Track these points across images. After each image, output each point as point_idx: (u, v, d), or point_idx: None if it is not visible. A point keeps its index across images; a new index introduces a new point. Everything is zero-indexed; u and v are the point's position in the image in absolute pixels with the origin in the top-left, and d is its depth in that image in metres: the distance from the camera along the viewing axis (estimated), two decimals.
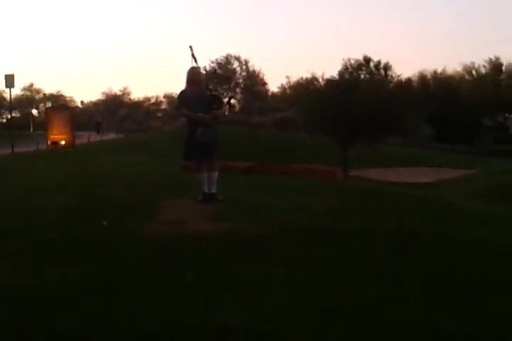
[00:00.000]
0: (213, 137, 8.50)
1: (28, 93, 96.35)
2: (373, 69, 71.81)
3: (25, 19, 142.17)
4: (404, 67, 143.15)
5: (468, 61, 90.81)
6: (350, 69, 69.91)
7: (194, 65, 8.72)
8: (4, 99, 71.37)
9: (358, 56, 72.94)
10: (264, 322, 3.87)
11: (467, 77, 74.46)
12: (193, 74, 8.74)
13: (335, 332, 3.73)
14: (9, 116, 69.83)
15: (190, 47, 8.67)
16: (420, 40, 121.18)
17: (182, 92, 8.85)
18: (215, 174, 8.56)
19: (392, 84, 62.26)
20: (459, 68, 74.98)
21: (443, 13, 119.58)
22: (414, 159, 38.83)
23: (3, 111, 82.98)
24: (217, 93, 8.80)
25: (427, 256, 5.78)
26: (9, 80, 26.92)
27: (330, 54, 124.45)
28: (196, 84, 8.70)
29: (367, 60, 71.87)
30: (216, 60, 78.32)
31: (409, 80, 72.09)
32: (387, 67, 71.25)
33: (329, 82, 42.73)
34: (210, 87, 9.72)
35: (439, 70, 74.83)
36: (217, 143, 8.65)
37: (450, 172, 31.70)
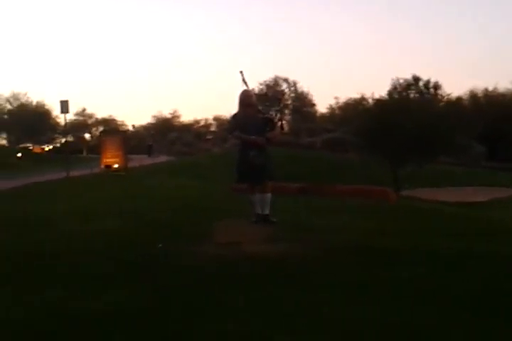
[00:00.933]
0: (266, 159, 8.56)
1: (81, 118, 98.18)
2: (423, 88, 71.20)
3: (77, 47, 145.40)
4: (455, 86, 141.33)
5: None
6: (399, 89, 69.46)
7: (246, 88, 8.82)
8: (58, 124, 72.87)
9: (407, 75, 72.46)
10: None
11: None
12: (246, 97, 8.82)
13: None
14: (63, 141, 71.33)
15: (241, 72, 8.78)
16: (470, 58, 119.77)
17: (234, 115, 8.93)
18: (268, 195, 8.60)
19: (442, 103, 61.63)
20: (511, 86, 73.63)
21: (492, 30, 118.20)
22: (466, 178, 38.23)
23: (57, 135, 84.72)
24: (269, 115, 8.84)
25: (479, 275, 5.67)
26: (64, 106, 27.55)
27: (379, 74, 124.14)
28: (249, 106, 8.78)
29: (416, 79, 71.33)
30: (265, 81, 78.74)
31: (459, 99, 71.26)
32: (436, 86, 70.62)
33: (378, 102, 42.52)
34: (261, 108, 9.77)
35: (490, 88, 73.69)
36: (270, 165, 8.71)
37: (504, 191, 31.09)
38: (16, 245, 7.85)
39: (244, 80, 8.77)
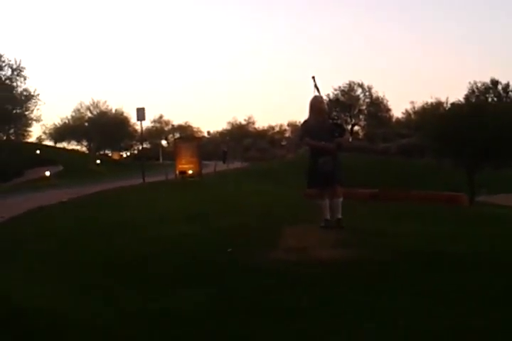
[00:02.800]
0: (335, 165, 8.59)
1: (158, 125, 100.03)
2: (501, 92, 69.63)
3: (156, 55, 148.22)
4: None
5: None
6: (476, 93, 68.15)
7: (317, 94, 8.88)
8: (136, 131, 74.37)
9: (486, 79, 71.00)
10: None
11: None
12: (316, 103, 8.88)
13: None
14: (140, 147, 72.83)
15: (313, 77, 8.85)
16: None
17: (305, 122, 9.03)
18: (340, 200, 8.63)
19: None
20: None
21: None
22: None
23: (134, 142, 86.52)
24: (338, 121, 8.88)
25: None
26: (141, 113, 28.11)
27: (456, 77, 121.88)
28: (319, 113, 8.83)
29: (494, 82, 69.79)
30: (339, 87, 78.20)
31: None
32: None
33: (455, 106, 41.86)
34: (334, 114, 9.82)
35: None
36: (340, 170, 8.74)
37: None
38: (105, 250, 8.13)
39: (316, 86, 8.83)
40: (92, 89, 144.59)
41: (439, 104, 73.59)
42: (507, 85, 69.29)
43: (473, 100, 57.52)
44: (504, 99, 67.22)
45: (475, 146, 28.92)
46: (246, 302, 5.07)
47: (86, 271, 6.69)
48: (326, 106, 9.16)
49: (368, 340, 4.08)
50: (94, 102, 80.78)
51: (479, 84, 69.65)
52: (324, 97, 10.29)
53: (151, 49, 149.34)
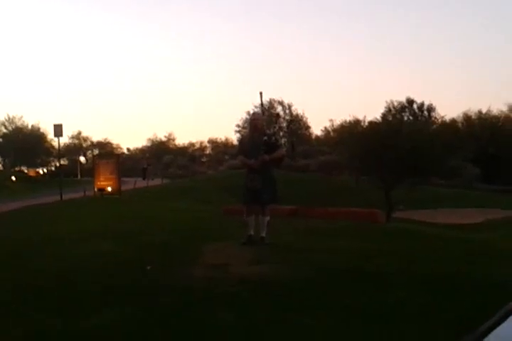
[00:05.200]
0: (264, 182, 8.60)
1: (76, 141, 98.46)
2: (417, 111, 71.81)
3: (73, 70, 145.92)
4: (449, 109, 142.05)
5: None
6: (393, 111, 70.04)
7: (256, 110, 8.99)
8: (53, 147, 72.99)
9: (401, 98, 73.02)
10: None
11: None
12: (251, 120, 9.15)
13: None
14: (58, 164, 71.41)
15: (260, 93, 9.02)
16: (464, 80, 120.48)
17: (241, 139, 9.09)
18: (265, 218, 8.68)
19: (435, 125, 62.03)
20: (504, 108, 73.82)
21: (486, 53, 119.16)
22: (459, 200, 38.34)
23: (52, 159, 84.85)
24: (267, 138, 8.86)
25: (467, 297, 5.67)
26: (58, 130, 27.66)
27: (373, 97, 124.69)
28: (254, 129, 8.88)
29: (410, 101, 71.95)
30: (259, 104, 78.74)
31: (453, 121, 71.71)
32: (430, 109, 71.32)
33: (372, 124, 42.83)
34: (270, 132, 9.93)
35: (484, 110, 73.91)
36: (270, 189, 8.72)
37: (497, 213, 31.17)
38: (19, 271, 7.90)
39: (261, 102, 9.00)
40: (6, 104, 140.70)
41: (356, 122, 75.12)
42: (422, 104, 71.52)
43: (390, 118, 58.98)
44: (419, 118, 69.28)
45: (391, 164, 29.59)
46: (165, 320, 5.02)
47: None
48: (261, 123, 9.14)
49: None
50: (9, 118, 79.06)
51: (395, 103, 71.70)
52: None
53: (69, 63, 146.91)
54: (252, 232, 8.68)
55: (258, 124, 8.98)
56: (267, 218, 8.70)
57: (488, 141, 62.82)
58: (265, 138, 8.83)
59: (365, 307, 5.29)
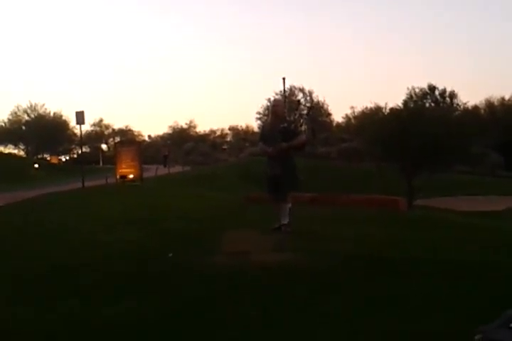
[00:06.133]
0: (284, 170, 8.58)
1: (98, 128, 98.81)
2: (438, 97, 71.02)
3: (97, 58, 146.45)
4: (471, 95, 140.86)
5: None
6: (414, 98, 69.37)
7: (277, 97, 8.93)
8: (75, 134, 73.36)
9: (423, 85, 72.26)
10: None
11: None
12: (271, 107, 9.10)
13: None
14: (80, 152, 71.80)
15: (283, 78, 8.98)
16: (487, 67, 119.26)
17: (262, 126, 9.05)
18: (287, 206, 8.64)
19: (458, 112, 61.40)
20: None
21: (509, 39, 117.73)
22: (481, 187, 38.00)
23: (74, 146, 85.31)
24: (286, 125, 8.76)
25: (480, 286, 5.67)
26: (80, 117, 27.62)
27: (396, 83, 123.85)
28: (274, 116, 8.86)
29: (432, 88, 71.15)
30: (280, 91, 78.58)
31: (476, 108, 70.98)
32: (452, 95, 70.46)
33: (393, 111, 42.45)
34: (288, 118, 9.83)
35: (507, 97, 72.99)
36: (291, 175, 8.69)
37: None
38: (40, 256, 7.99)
39: (284, 88, 8.96)
40: (29, 92, 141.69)
41: (378, 109, 74.54)
42: (444, 91, 70.74)
43: (412, 105, 58.42)
44: (441, 104, 68.59)
45: (413, 151, 29.38)
46: (189, 310, 5.06)
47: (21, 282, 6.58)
48: (281, 110, 9.08)
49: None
50: (31, 105, 79.52)
51: (417, 90, 70.98)
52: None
53: (91, 51, 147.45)
54: (281, 220, 8.68)
55: (278, 111, 8.94)
56: (289, 205, 8.67)
57: (510, 128, 62.05)
58: (284, 124, 8.76)
59: (389, 295, 5.29)
